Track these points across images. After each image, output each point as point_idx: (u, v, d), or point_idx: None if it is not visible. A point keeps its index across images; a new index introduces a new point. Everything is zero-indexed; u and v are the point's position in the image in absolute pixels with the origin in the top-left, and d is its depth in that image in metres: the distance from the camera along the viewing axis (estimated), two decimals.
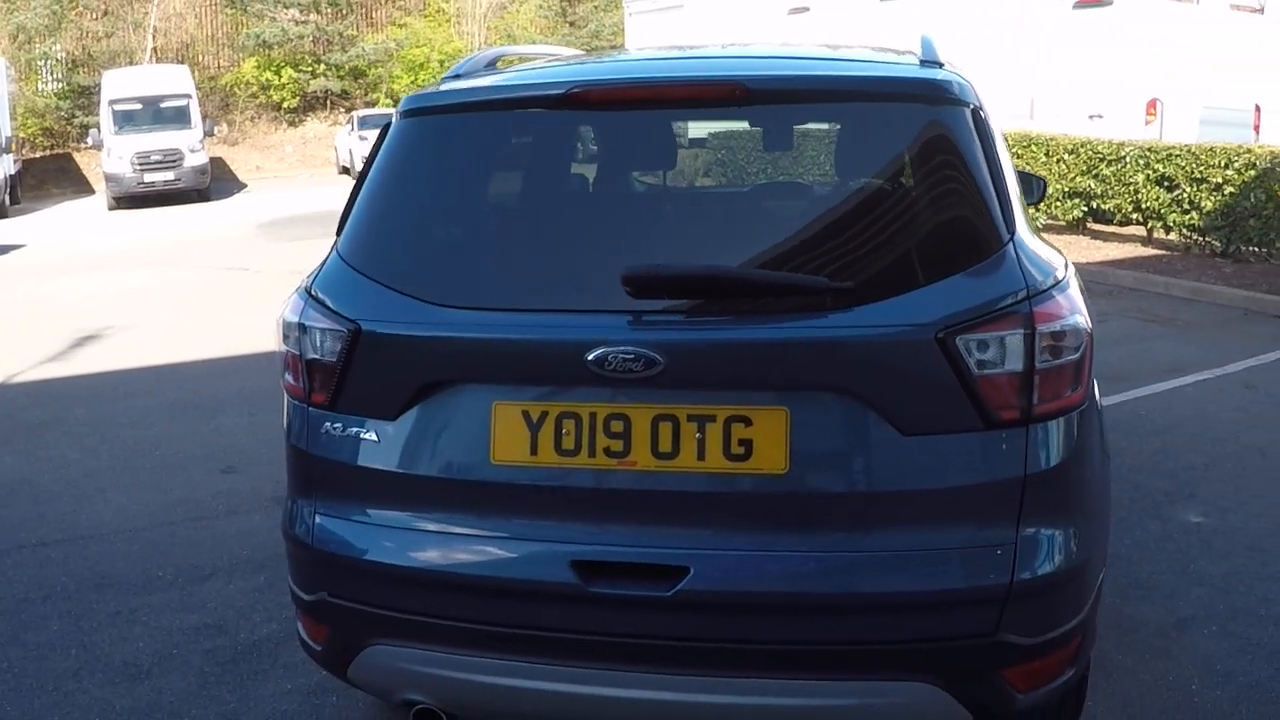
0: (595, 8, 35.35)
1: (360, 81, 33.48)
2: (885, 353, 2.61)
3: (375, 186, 3.01)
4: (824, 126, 3.27)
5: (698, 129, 12.64)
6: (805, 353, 2.63)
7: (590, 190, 3.38)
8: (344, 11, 33.63)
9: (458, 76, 3.33)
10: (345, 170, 28.56)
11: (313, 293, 2.97)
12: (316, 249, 3.48)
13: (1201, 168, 12.06)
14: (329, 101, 33.21)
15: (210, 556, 5.11)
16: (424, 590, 2.83)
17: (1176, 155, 12.40)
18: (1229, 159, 11.84)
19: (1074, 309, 2.72)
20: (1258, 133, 12.78)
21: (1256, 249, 11.82)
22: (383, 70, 33.35)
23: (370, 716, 3.84)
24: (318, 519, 2.95)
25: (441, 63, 33.88)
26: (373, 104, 32.50)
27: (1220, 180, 11.88)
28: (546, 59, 3.76)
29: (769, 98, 2.95)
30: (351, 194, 3.07)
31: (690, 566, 2.62)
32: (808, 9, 19.81)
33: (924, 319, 2.58)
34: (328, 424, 2.89)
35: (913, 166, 2.84)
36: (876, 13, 18.83)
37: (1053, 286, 2.71)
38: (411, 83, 33.39)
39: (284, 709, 3.89)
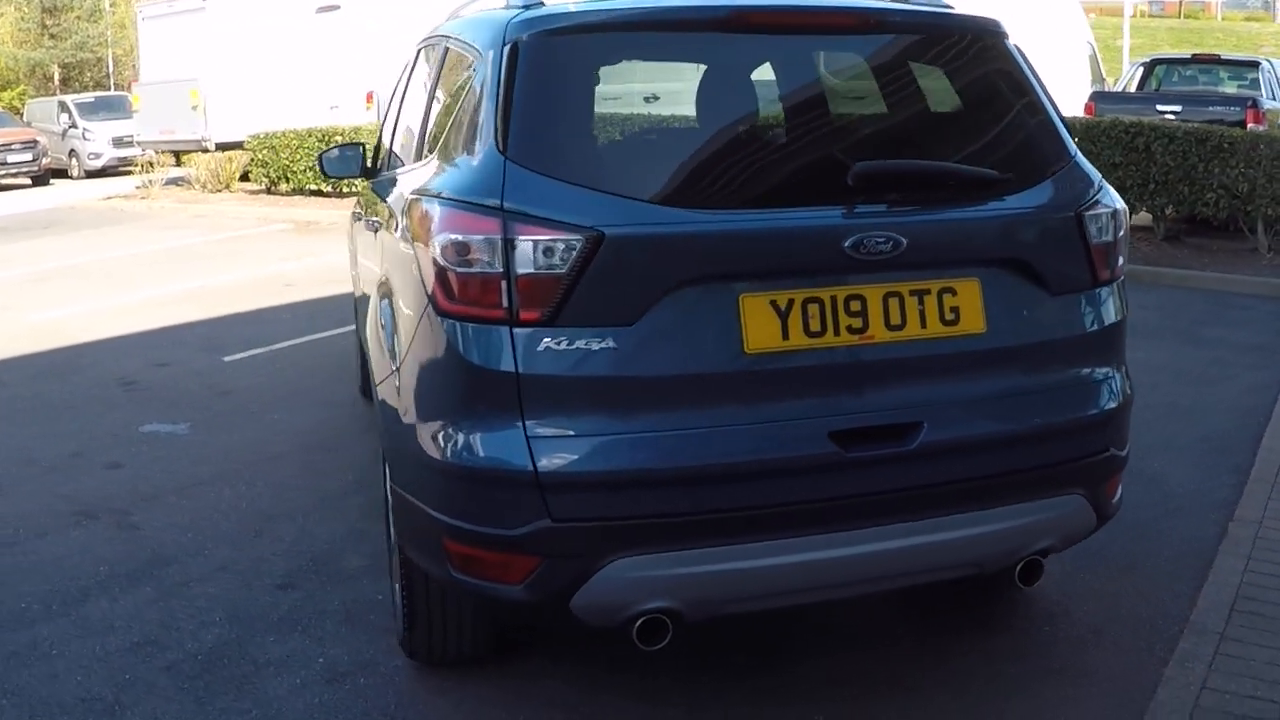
0: (77, 18, 31.87)
1: None
2: (1042, 228, 3.02)
3: (544, 100, 2.79)
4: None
5: None
6: (991, 230, 2.99)
7: (765, 103, 3.25)
8: None
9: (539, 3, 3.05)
10: None
11: (506, 207, 2.64)
12: None
13: None
14: None
15: (58, 581, 4.13)
16: (676, 489, 2.66)
17: None
18: None
19: (1118, 198, 3.23)
20: None
21: None
22: None
23: (411, 689, 3.34)
24: (535, 442, 2.61)
25: None
26: None
27: None
28: None
29: (891, 29, 3.16)
30: (504, 108, 2.77)
31: (923, 421, 2.82)
32: (338, 7, 18.94)
33: (1063, 200, 3.03)
34: (548, 340, 2.63)
35: (1007, 84, 3.14)
36: (407, 10, 18.43)
37: (1103, 183, 3.17)
38: None
39: (315, 701, 3.27)
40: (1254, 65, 13.60)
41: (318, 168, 5.62)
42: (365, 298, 4.97)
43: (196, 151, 19.16)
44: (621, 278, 2.63)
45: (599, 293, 2.62)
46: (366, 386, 6.43)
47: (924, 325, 2.83)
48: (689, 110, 3.00)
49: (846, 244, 2.72)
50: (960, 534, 2.88)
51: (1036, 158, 3.07)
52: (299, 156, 16.86)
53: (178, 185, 19.17)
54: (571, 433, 2.65)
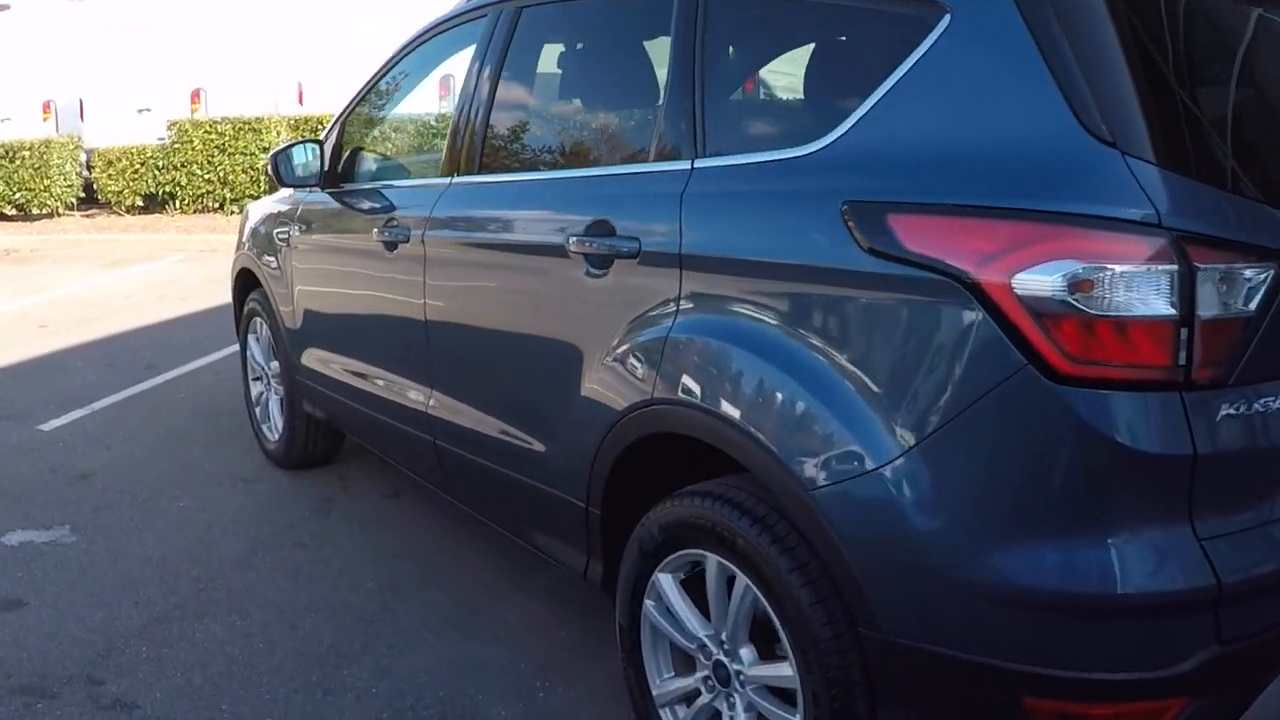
0: None
1: None
2: None
3: (1137, 67, 1.93)
4: None
5: None
6: None
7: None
8: None
9: None
10: None
11: (1167, 224, 1.84)
12: None
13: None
14: None
15: None
16: None
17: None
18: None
19: None
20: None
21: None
22: None
23: None
24: (1210, 545, 1.91)
25: None
26: None
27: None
28: None
29: None
30: (1084, 75, 1.95)
31: None
32: (8, 7, 16.21)
33: None
34: (1225, 405, 1.92)
35: None
36: (87, 12, 16.05)
37: None
38: None
39: None
40: None
41: (271, 174, 4.17)
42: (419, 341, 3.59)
43: None
44: None
45: (1275, 336, 1.94)
46: (289, 452, 4.94)
47: None
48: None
49: None
50: None
51: None
52: None
53: None
54: (1241, 525, 1.98)
